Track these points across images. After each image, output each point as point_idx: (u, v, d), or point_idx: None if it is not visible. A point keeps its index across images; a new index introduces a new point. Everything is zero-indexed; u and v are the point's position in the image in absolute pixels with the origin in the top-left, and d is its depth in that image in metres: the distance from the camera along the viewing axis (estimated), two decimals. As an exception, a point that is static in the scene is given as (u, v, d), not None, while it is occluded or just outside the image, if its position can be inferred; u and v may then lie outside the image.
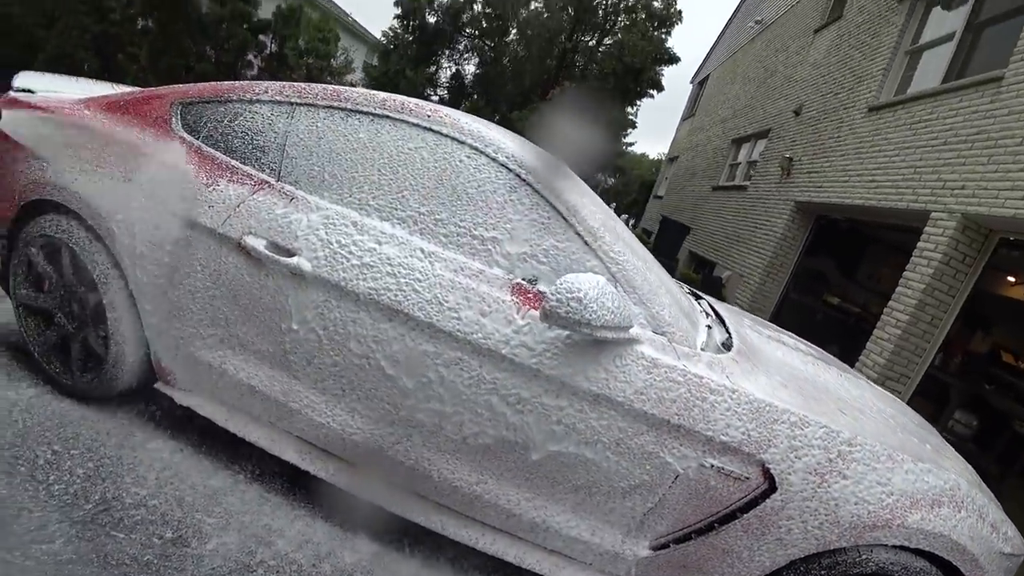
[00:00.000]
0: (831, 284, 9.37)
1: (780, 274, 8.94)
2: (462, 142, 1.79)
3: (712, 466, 1.56)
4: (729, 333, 2.04)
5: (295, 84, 1.98)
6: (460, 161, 1.77)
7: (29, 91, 2.21)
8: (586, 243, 1.69)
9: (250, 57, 12.46)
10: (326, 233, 1.73)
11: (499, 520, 1.74)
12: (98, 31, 9.62)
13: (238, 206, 1.79)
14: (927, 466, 1.66)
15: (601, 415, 1.58)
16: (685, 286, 2.81)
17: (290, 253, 1.72)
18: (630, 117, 18.24)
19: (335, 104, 1.88)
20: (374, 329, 1.67)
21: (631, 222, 22.11)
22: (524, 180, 1.73)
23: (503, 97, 16.45)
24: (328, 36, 14.25)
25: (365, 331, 1.68)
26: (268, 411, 1.87)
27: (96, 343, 2.01)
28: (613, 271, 1.67)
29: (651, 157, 44.00)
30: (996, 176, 4.88)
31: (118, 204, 1.87)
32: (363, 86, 13.95)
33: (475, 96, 16.74)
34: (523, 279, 1.68)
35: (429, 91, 17.03)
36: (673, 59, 16.81)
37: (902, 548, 1.61)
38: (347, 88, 1.96)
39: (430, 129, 1.81)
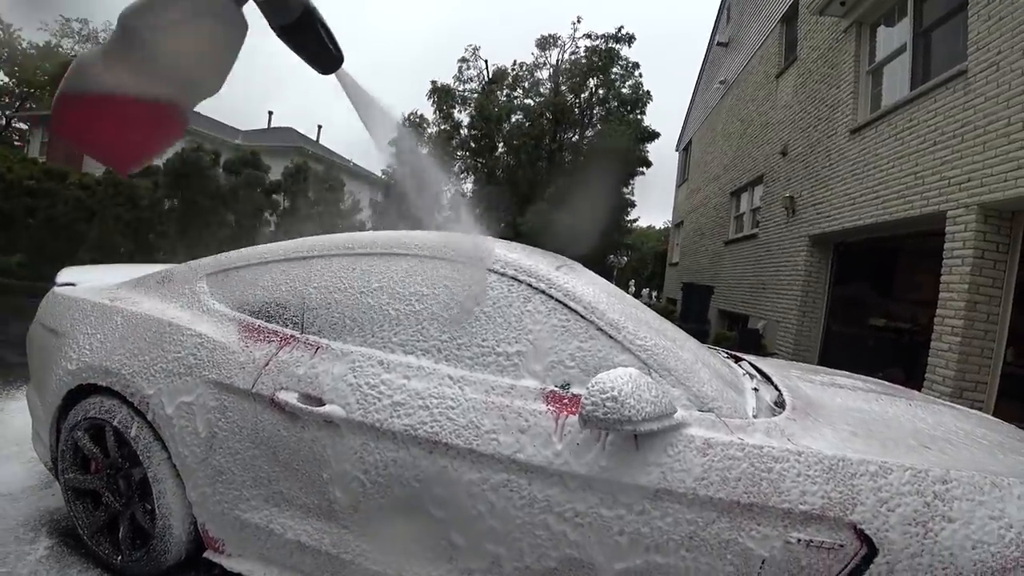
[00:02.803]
0: (871, 307, 9.00)
1: (815, 311, 8.66)
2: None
3: (799, 540, 1.38)
4: (779, 391, 1.91)
5: (308, 239, 2.12)
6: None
7: (71, 284, 2.40)
8: (611, 337, 1.67)
9: (267, 215, 13.23)
10: (354, 377, 1.75)
11: None
12: (130, 218, 10.37)
13: (267, 363, 1.84)
14: (1040, 485, 1.45)
15: (665, 512, 1.45)
16: (721, 351, 2.70)
17: (321, 402, 1.73)
18: (627, 196, 18.71)
19: (345, 251, 2.00)
20: (414, 467, 1.63)
21: (653, 295, 21.98)
22: (535, 288, 1.76)
23: (504, 206, 17.09)
24: (334, 184, 15.16)
25: (406, 470, 1.64)
26: (320, 566, 1.80)
27: (143, 519, 2.00)
28: (644, 359, 1.63)
29: (658, 227, 44.59)
30: (997, 160, 4.82)
31: (155, 378, 1.93)
32: (372, 223, 14.65)
33: (478, 211, 17.41)
34: (555, 386, 1.65)
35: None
36: (652, 135, 17.52)
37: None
38: (356, 234, 2.11)
39: (435, 257, 1.88)
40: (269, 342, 1.90)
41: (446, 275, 1.85)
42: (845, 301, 8.78)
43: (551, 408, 1.58)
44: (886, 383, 2.63)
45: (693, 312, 11.92)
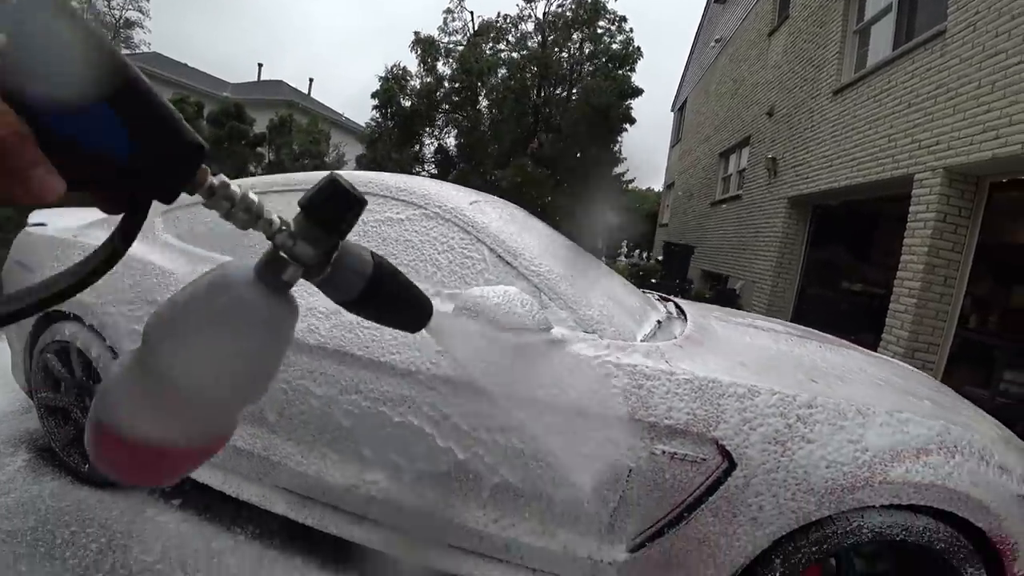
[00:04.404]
0: (845, 271, 9.12)
1: (790, 272, 8.77)
2: (375, 194, 2.01)
3: (663, 452, 1.50)
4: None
5: (254, 178, 2.28)
6: (375, 211, 1.99)
7: (42, 224, 2.53)
8: (508, 264, 1.79)
9: (251, 169, 13.19)
10: None
11: (473, 543, 1.71)
12: None
13: None
14: (905, 415, 1.56)
15: (540, 419, 1.57)
16: (655, 294, 2.79)
17: None
18: (616, 153, 18.54)
19: (285, 188, 2.19)
20: (326, 377, 1.78)
21: (644, 255, 22.05)
22: (444, 218, 1.90)
23: (489, 161, 16.94)
24: (319, 137, 15.03)
25: (320, 380, 1.79)
26: (254, 468, 1.95)
27: (99, 354, 2.16)
28: (536, 283, 1.75)
29: (656, 190, 44.28)
30: (965, 124, 4.84)
31: (111, 303, 2.08)
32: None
33: (461, 165, 17.26)
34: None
35: (417, 168, 17.66)
36: (636, 92, 17.22)
37: (895, 507, 1.49)
38: (296, 174, 2.30)
39: (366, 192, 2.00)
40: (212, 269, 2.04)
41: (372, 207, 1.97)
42: (820, 264, 8.89)
43: None
44: (810, 329, 2.73)
45: (674, 271, 12.04)
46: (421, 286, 1.79)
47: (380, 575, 1.97)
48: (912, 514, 1.50)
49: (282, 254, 0.39)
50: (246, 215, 0.38)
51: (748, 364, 1.69)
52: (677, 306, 2.45)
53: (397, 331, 1.67)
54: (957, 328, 5.29)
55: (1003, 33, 4.52)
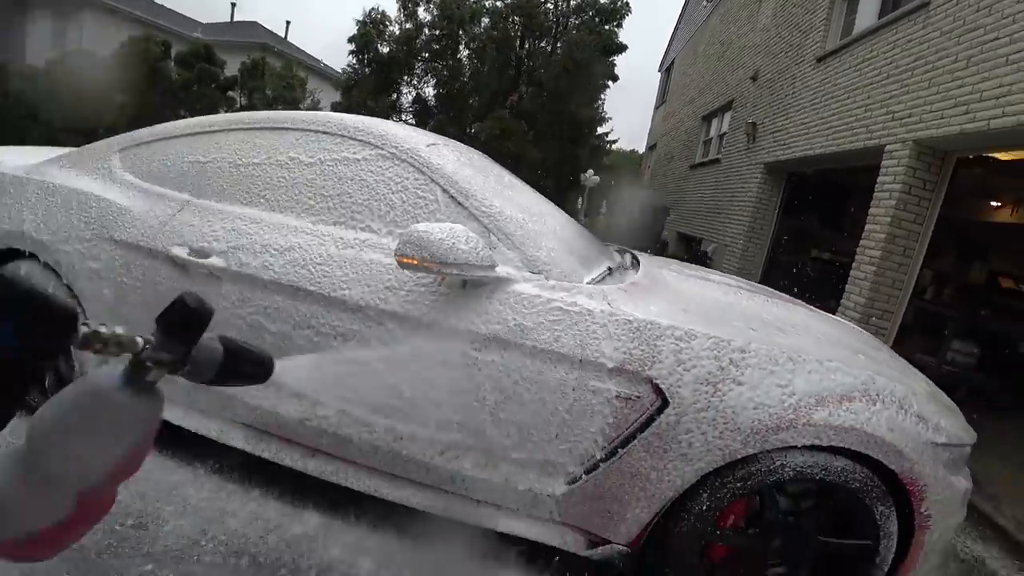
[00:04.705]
0: (815, 239, 9.31)
1: (762, 237, 8.92)
2: (333, 133, 2.02)
3: (598, 389, 1.57)
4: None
5: (211, 116, 2.27)
6: (333, 151, 1.99)
7: None
8: (459, 204, 1.84)
9: (223, 112, 12.83)
10: (236, 234, 1.92)
11: (420, 474, 1.78)
12: (75, 116, 10.02)
13: (165, 224, 1.99)
14: (834, 364, 1.65)
15: (484, 355, 1.63)
16: (614, 246, 2.84)
17: (207, 255, 1.90)
18: (599, 111, 18.30)
19: (240, 127, 2.16)
20: (280, 311, 1.82)
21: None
22: (400, 158, 1.92)
23: (467, 112, 16.64)
24: (293, 82, 14.61)
25: (274, 314, 1.82)
26: (212, 403, 1.98)
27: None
28: (486, 223, 1.79)
29: (640, 152, 43.99)
30: (938, 98, 4.89)
31: (67, 240, 2.06)
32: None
33: (439, 115, 16.90)
34: None
35: (394, 118, 17.25)
36: (620, 48, 16.92)
37: (816, 449, 1.60)
38: (252, 112, 2.28)
39: (317, 131, 2.05)
40: (168, 206, 2.04)
41: (324, 147, 2.00)
42: (791, 231, 9.04)
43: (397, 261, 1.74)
44: (765, 287, 2.82)
45: (649, 231, 12.14)
46: (374, 224, 1.84)
47: (335, 507, 2.02)
48: (832, 455, 1.61)
49: (148, 364, 0.46)
50: (117, 348, 0.44)
51: (690, 311, 1.75)
52: (634, 257, 2.51)
53: (347, 267, 1.74)
54: (912, 298, 5.48)
55: (984, 8, 4.52)
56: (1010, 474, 3.95)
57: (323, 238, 1.85)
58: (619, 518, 1.68)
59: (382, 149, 1.94)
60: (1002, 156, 4.96)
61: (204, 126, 2.21)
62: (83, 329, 0.42)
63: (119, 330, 0.44)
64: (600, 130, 19.03)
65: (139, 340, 0.45)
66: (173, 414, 2.03)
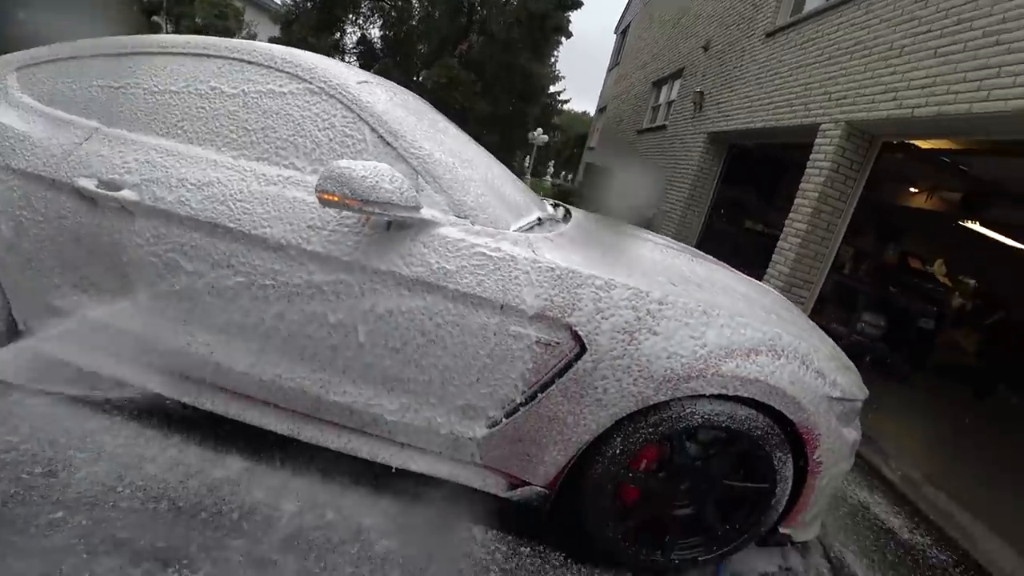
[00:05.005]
0: (751, 211, 9.67)
1: (700, 206, 9.18)
2: (258, 64, 1.92)
3: (519, 334, 1.61)
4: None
5: (123, 38, 2.08)
6: (258, 82, 1.90)
7: None
8: (388, 144, 1.78)
9: None
10: (150, 166, 1.81)
11: (344, 418, 1.79)
12: None
13: (71, 153, 1.86)
14: (745, 320, 1.74)
15: (406, 298, 1.63)
16: (549, 200, 2.86)
17: (119, 188, 1.78)
18: (552, 69, 18.07)
19: (158, 50, 2.01)
20: (197, 249, 1.74)
21: (569, 177, 22.19)
22: (328, 94, 1.85)
23: (414, 58, 16.08)
24: (226, 11, 13.70)
25: (191, 252, 1.75)
26: (127, 345, 1.90)
27: None
28: (414, 165, 1.76)
29: (591, 114, 44.04)
30: (871, 82, 5.10)
31: None
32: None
33: (384, 59, 16.25)
34: None
35: (337, 58, 16.47)
36: (576, 4, 16.67)
37: (723, 398, 1.70)
38: (171, 36, 2.11)
39: (242, 61, 1.94)
40: (74, 134, 1.91)
41: (248, 78, 1.90)
42: (729, 201, 9.35)
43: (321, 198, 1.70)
44: (693, 248, 2.92)
45: (591, 191, 12.24)
46: (299, 162, 1.77)
47: (258, 452, 1.99)
48: (737, 405, 1.71)
49: None
50: None
51: (613, 263, 1.79)
52: (567, 212, 2.54)
53: (269, 205, 1.69)
54: (831, 271, 5.82)
55: (922, 0, 4.73)
56: (900, 434, 4.35)
57: (244, 174, 1.77)
58: (537, 461, 1.75)
59: (310, 83, 1.86)
60: (922, 144, 5.24)
61: (117, 47, 2.04)
62: None
63: None
64: (552, 89, 18.81)
65: None
66: (87, 359, 1.95)
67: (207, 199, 1.73)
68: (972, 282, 9.43)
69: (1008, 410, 6.67)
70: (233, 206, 1.71)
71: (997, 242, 8.45)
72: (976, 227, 8.26)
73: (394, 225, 1.64)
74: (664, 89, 12.90)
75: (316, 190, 1.49)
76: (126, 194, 1.76)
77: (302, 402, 1.80)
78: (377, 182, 1.48)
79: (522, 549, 1.88)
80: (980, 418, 5.98)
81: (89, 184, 1.78)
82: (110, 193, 1.76)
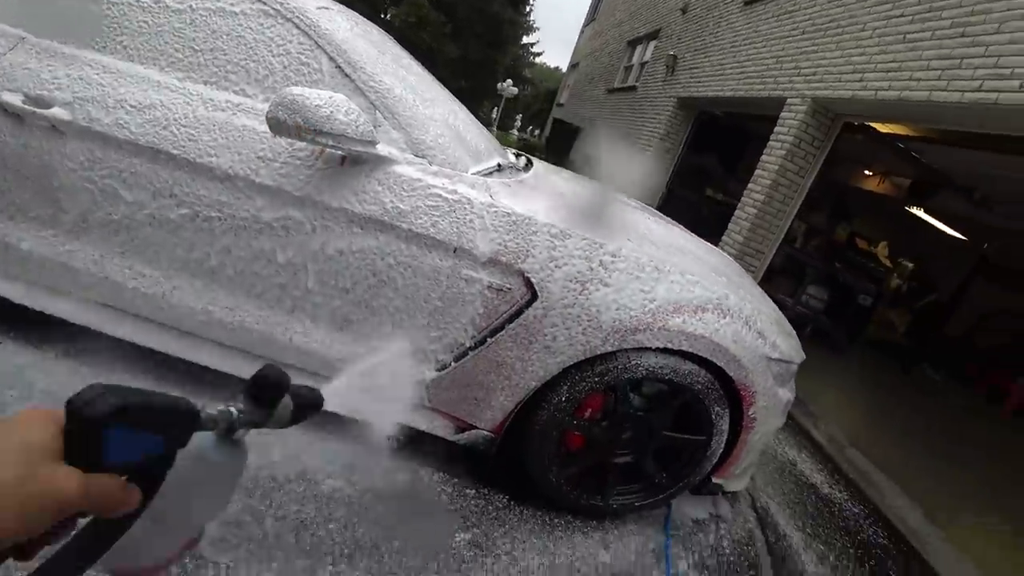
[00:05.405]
0: (714, 179, 9.79)
1: (664, 170, 9.23)
2: None
3: (471, 278, 1.61)
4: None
5: None
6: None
7: None
8: (347, 75, 1.69)
9: None
10: (85, 83, 1.64)
11: (291, 358, 1.75)
12: None
13: None
14: (695, 279, 1.78)
15: (358, 237, 1.59)
16: (513, 151, 2.83)
17: (49, 105, 1.62)
18: (526, 17, 17.59)
19: None
20: (138, 176, 1.62)
21: (536, 132, 21.94)
22: (285, 17, 1.73)
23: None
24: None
25: (130, 179, 1.62)
26: (57, 277, 1.77)
27: None
28: (373, 99, 1.68)
29: (563, 70, 43.30)
30: (841, 61, 5.16)
31: None
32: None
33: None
34: None
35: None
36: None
37: (668, 352, 1.75)
38: None
39: None
40: None
41: None
42: (693, 168, 9.44)
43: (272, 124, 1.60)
44: (653, 208, 2.96)
45: (557, 148, 12.17)
46: (250, 88, 1.63)
47: (198, 390, 1.91)
48: (681, 359, 1.77)
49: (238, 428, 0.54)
50: (223, 423, 0.52)
51: (575, 214, 1.79)
52: (529, 161, 2.51)
53: (217, 132, 1.59)
54: (782, 243, 6.00)
55: (898, -17, 4.76)
56: (831, 400, 4.61)
57: (190, 97, 1.65)
58: (485, 405, 1.77)
59: (265, 4, 1.73)
60: (881, 128, 5.38)
61: None
62: (202, 415, 0.49)
63: (220, 407, 0.52)
64: (526, 40, 18.35)
65: (233, 411, 0.53)
66: (15, 291, 1.80)
67: (148, 122, 1.61)
68: (910, 265, 9.90)
69: (929, 385, 7.16)
70: (177, 132, 1.60)
71: (937, 230, 8.86)
72: (920, 214, 8.62)
73: (348, 160, 1.58)
74: (639, 49, 12.75)
75: (267, 117, 1.41)
76: (57, 112, 1.61)
77: (248, 342, 1.75)
78: (332, 112, 1.41)
79: (467, 491, 1.93)
80: (904, 390, 6.38)
81: (14, 99, 1.62)
82: (38, 110, 1.61)
